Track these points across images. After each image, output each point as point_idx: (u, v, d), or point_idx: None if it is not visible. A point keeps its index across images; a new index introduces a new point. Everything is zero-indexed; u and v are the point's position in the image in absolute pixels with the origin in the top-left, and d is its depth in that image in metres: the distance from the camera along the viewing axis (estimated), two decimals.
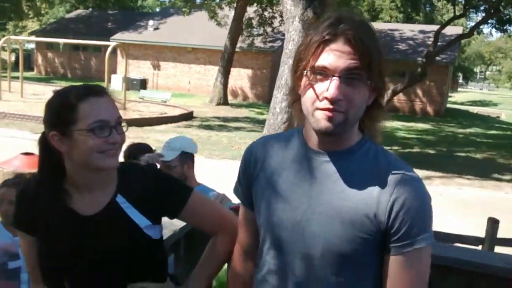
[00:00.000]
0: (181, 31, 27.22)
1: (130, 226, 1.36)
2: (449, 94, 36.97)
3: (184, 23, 27.13)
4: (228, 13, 22.15)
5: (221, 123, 16.58)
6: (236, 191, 1.34)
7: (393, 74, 23.97)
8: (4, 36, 19.68)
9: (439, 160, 12.44)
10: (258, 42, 23.85)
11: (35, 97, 17.76)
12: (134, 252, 1.37)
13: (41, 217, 1.37)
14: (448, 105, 30.83)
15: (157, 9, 41.17)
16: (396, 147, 13.70)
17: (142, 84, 24.87)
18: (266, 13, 22.54)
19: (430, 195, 1.10)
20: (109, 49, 15.52)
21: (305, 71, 1.06)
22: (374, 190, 1.07)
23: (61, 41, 17.89)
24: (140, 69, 27.36)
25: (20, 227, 1.43)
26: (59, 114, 1.30)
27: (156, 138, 12.33)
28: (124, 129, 1.34)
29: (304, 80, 1.07)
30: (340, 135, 1.08)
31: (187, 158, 2.55)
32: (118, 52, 23.07)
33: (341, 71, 1.01)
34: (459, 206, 7.91)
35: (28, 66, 33.00)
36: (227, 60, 21.81)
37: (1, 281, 2.17)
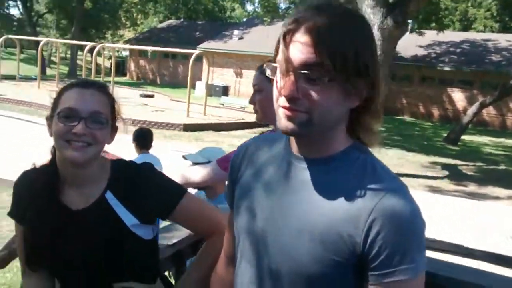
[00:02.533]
0: (264, 40, 27.62)
1: (116, 224, 1.34)
2: None
3: (267, 33, 27.55)
4: None
5: None
6: (225, 193, 1.28)
7: (483, 86, 22.67)
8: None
9: None
10: None
11: (124, 100, 18.79)
12: (120, 250, 1.35)
13: (33, 208, 1.36)
14: None
15: (244, 20, 42.18)
16: (479, 163, 12.88)
17: (224, 91, 25.61)
18: None
19: (420, 211, 0.93)
20: (193, 57, 16.22)
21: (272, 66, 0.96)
22: (352, 207, 0.91)
23: (150, 48, 18.99)
24: (223, 76, 28.20)
25: (13, 217, 1.44)
26: (53, 101, 1.34)
27: (232, 142, 12.63)
28: (103, 127, 1.31)
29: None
30: (311, 138, 0.96)
31: None
32: (204, 60, 24.00)
33: (298, 67, 0.88)
34: None
35: (122, 72, 35.33)
36: None
37: None
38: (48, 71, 34.12)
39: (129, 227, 1.35)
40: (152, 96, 21.69)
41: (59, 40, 29.25)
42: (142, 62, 33.53)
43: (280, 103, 0.92)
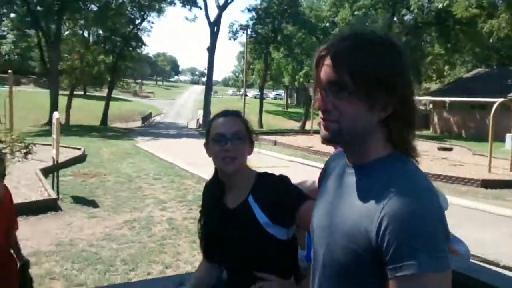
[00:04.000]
0: None
1: (253, 222, 1.69)
2: None
3: None
4: None
5: None
6: None
7: None
8: None
9: None
10: None
11: (423, 153, 18.55)
12: (255, 245, 1.69)
13: (207, 206, 1.86)
14: None
15: None
16: None
17: None
18: None
19: (438, 214, 1.00)
20: (495, 106, 14.77)
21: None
22: (372, 205, 1.03)
23: (447, 99, 18.27)
24: None
25: (200, 213, 1.92)
26: (206, 131, 1.82)
27: None
28: (242, 142, 1.73)
29: None
30: (349, 147, 1.15)
31: None
32: None
33: (325, 84, 1.09)
34: None
35: (426, 125, 34.92)
36: None
37: None
38: None
39: (262, 225, 1.68)
40: (450, 149, 20.68)
41: None
42: (445, 114, 32.44)
43: (320, 115, 1.13)
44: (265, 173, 1.81)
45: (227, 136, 1.71)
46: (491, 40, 29.64)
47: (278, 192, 1.70)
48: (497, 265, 4.79)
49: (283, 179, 1.77)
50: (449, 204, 2.76)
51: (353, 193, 1.11)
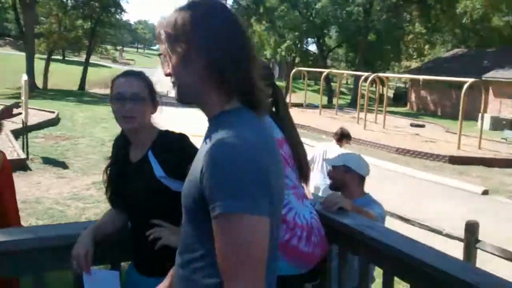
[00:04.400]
0: None
1: (150, 175, 1.80)
2: None
3: None
4: None
5: None
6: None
7: None
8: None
9: None
10: None
11: (396, 129, 19.02)
12: (152, 195, 1.81)
13: (114, 158, 1.96)
14: None
15: None
16: None
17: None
18: None
19: (248, 162, 1.07)
20: (465, 86, 15.15)
21: None
22: (201, 155, 1.14)
23: (421, 77, 18.57)
24: None
25: (108, 163, 1.99)
26: (110, 89, 1.88)
27: (502, 180, 11.24)
28: (142, 103, 1.80)
29: None
30: (195, 103, 1.25)
31: (350, 171, 2.90)
32: (491, 91, 22.01)
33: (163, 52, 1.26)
34: None
35: (404, 102, 35.39)
36: None
37: None
38: (334, 101, 36.97)
39: (157, 178, 1.80)
40: (422, 126, 21.08)
41: (337, 71, 31.51)
42: (423, 92, 32.83)
43: None
44: (167, 131, 1.91)
45: (126, 96, 1.79)
46: (463, 21, 29.84)
47: (175, 149, 1.81)
48: (440, 233, 5.05)
49: (182, 137, 1.87)
50: (370, 170, 2.97)
51: (200, 144, 1.25)
